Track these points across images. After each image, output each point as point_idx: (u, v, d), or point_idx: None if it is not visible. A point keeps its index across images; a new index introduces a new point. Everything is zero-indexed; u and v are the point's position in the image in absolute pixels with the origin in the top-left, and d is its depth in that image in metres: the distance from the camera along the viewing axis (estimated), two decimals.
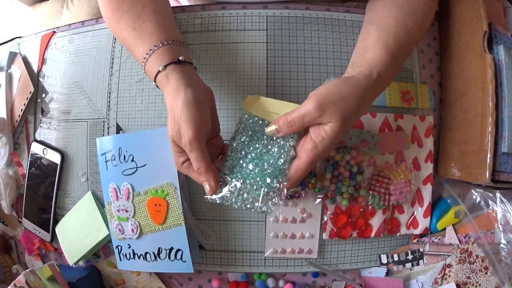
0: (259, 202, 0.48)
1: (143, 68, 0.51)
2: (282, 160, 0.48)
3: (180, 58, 0.49)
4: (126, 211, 0.59)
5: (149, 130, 0.60)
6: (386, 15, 0.52)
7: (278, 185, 0.48)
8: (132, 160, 0.58)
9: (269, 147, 0.49)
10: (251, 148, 0.50)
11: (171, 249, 0.57)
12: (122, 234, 0.59)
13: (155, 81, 0.50)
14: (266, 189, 0.48)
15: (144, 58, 0.50)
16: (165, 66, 0.48)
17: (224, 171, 0.50)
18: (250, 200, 0.48)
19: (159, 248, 0.58)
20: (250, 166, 0.49)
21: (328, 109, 0.44)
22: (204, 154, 0.46)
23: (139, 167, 0.58)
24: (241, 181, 0.49)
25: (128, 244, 0.60)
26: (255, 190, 0.48)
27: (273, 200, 0.48)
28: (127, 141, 0.58)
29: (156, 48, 0.50)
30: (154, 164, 0.57)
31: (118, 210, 0.59)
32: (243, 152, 0.50)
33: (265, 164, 0.49)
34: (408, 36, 0.51)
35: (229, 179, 0.49)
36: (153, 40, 0.50)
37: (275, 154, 0.49)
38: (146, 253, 0.59)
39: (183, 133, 0.46)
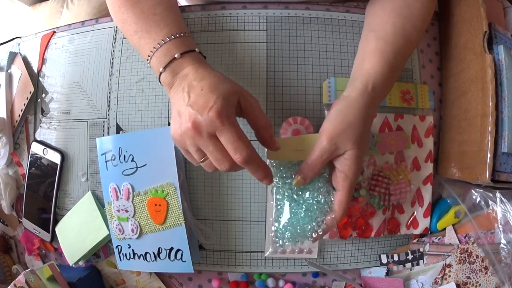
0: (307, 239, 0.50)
1: (150, 56, 0.49)
2: (322, 199, 0.50)
3: (196, 49, 0.49)
4: (126, 211, 0.59)
5: (149, 130, 0.60)
6: (385, 21, 0.52)
7: (321, 225, 0.50)
8: (132, 160, 0.58)
9: (306, 190, 0.51)
10: (291, 196, 0.51)
11: (171, 249, 0.57)
12: (122, 234, 0.59)
13: (164, 68, 0.47)
14: (312, 231, 0.50)
15: (158, 44, 0.48)
16: (182, 54, 0.47)
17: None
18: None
19: (159, 248, 0.58)
20: (294, 213, 0.50)
21: (340, 140, 0.47)
22: (245, 140, 0.42)
23: (139, 167, 0.58)
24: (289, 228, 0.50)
25: (128, 244, 0.60)
26: (302, 232, 0.50)
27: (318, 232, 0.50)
28: (127, 141, 0.58)
29: (172, 37, 0.48)
30: (154, 164, 0.57)
31: (118, 210, 0.59)
32: (285, 201, 0.51)
33: (308, 207, 0.50)
34: (406, 40, 0.51)
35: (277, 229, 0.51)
36: (171, 29, 0.49)
37: (313, 197, 0.50)
38: (146, 253, 0.59)
39: (246, 93, 0.45)
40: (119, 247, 0.60)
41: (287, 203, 0.51)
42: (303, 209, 0.50)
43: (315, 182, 0.50)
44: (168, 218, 0.57)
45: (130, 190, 0.58)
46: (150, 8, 0.51)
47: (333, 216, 0.49)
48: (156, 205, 0.57)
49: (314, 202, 0.50)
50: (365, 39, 0.54)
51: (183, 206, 0.57)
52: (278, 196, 0.51)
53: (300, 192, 0.51)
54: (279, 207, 0.51)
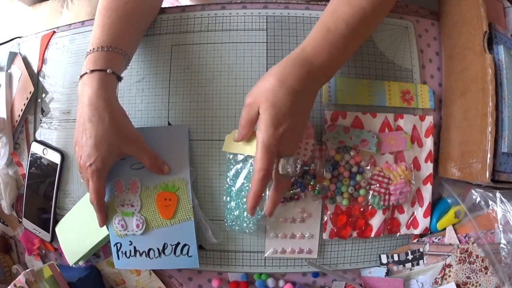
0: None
1: (88, 53, 0.54)
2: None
3: (108, 70, 0.52)
4: (132, 205, 0.58)
5: (164, 127, 0.60)
6: None
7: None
8: None
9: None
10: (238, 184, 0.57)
11: (177, 244, 0.57)
12: (124, 230, 0.58)
13: (80, 78, 0.53)
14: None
15: (88, 52, 0.54)
16: (92, 71, 0.52)
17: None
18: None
19: (164, 244, 0.57)
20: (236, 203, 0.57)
21: (252, 95, 0.49)
22: (103, 186, 0.54)
23: None
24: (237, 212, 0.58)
25: (130, 241, 0.58)
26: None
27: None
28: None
29: (98, 50, 0.53)
30: (166, 160, 0.57)
31: (122, 205, 0.58)
32: (233, 188, 0.58)
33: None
34: (351, 6, 0.50)
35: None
36: (102, 40, 0.54)
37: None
38: (149, 249, 0.58)
39: (94, 159, 0.51)
40: (118, 245, 0.59)
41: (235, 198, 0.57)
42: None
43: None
44: (177, 213, 0.57)
45: (138, 184, 0.58)
46: (105, 11, 0.56)
47: (254, 177, 0.48)
48: (165, 199, 0.57)
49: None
50: None
51: (193, 202, 0.57)
52: (228, 190, 0.58)
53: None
54: (228, 198, 0.58)
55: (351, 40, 0.51)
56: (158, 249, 0.58)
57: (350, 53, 0.53)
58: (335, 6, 0.52)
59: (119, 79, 0.54)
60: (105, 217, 0.57)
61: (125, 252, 0.59)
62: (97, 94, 0.51)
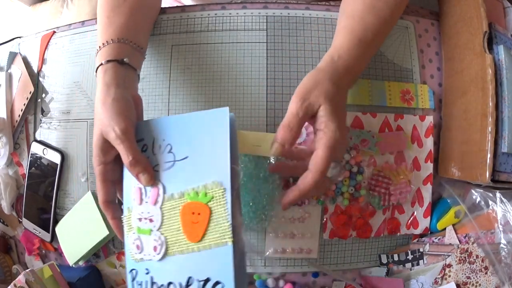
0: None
1: (95, 55, 0.53)
2: (264, 200, 0.52)
3: (125, 59, 0.51)
4: (151, 220, 0.44)
5: (198, 113, 0.46)
6: (354, 1, 0.54)
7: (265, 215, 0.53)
8: (170, 151, 0.45)
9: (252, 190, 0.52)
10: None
11: (207, 280, 0.41)
12: (140, 252, 0.44)
13: (96, 71, 0.52)
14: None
15: (99, 47, 0.52)
16: (108, 61, 0.50)
17: None
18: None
19: (189, 278, 0.42)
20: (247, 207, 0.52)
21: (310, 96, 0.47)
22: (135, 145, 0.46)
23: (178, 160, 0.44)
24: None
25: (146, 269, 0.44)
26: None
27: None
28: (166, 126, 0.46)
29: (111, 42, 0.52)
30: (199, 157, 0.44)
31: (140, 219, 0.45)
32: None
33: (259, 200, 0.52)
34: (376, 17, 0.52)
35: None
36: (112, 34, 0.53)
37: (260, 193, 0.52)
38: (169, 283, 0.42)
39: (114, 125, 0.45)
40: (134, 272, 0.45)
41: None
42: (250, 204, 0.51)
43: (264, 185, 0.51)
44: (208, 234, 0.41)
45: (160, 192, 0.44)
46: (108, 11, 0.55)
47: (308, 176, 0.46)
48: (194, 213, 0.42)
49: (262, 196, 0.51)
50: (337, 21, 0.56)
51: (234, 219, 0.41)
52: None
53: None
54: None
55: (373, 50, 0.55)
56: (180, 284, 0.42)
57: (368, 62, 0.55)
58: (362, 14, 0.53)
59: (136, 67, 0.53)
60: (150, 169, 0.45)
61: (141, 283, 0.44)
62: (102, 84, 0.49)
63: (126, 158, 0.45)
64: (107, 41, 0.52)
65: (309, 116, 0.47)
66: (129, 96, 0.49)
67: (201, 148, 0.44)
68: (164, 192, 0.44)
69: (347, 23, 0.53)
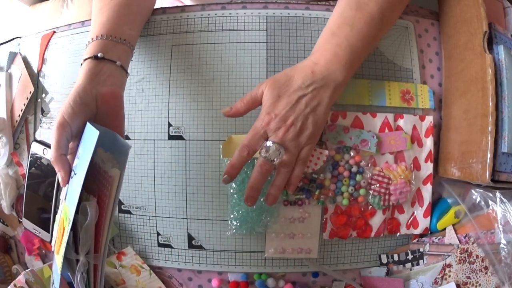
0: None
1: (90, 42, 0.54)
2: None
3: (99, 54, 0.51)
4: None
5: (89, 126, 0.47)
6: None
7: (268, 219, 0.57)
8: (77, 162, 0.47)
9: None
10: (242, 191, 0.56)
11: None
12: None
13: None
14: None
15: (86, 45, 0.54)
16: (85, 60, 0.52)
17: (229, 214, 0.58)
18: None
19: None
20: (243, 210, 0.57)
21: (264, 82, 0.52)
22: (58, 145, 0.48)
23: (75, 173, 0.46)
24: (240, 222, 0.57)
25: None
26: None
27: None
28: (86, 132, 0.47)
29: (91, 41, 0.53)
30: (78, 177, 0.44)
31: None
32: (235, 196, 0.57)
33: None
34: (359, 11, 0.52)
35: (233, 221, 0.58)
36: (92, 33, 0.54)
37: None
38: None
39: (60, 112, 0.49)
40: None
41: (237, 197, 0.57)
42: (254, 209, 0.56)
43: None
44: (60, 253, 0.43)
45: (63, 196, 0.49)
46: (98, 8, 0.57)
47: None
48: (60, 228, 0.46)
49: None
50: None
51: (68, 252, 0.42)
52: (231, 191, 0.57)
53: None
54: (234, 200, 0.57)
55: (357, 44, 0.52)
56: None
57: (360, 58, 0.54)
58: (342, 10, 0.53)
59: (114, 59, 0.53)
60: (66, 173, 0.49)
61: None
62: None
63: (52, 152, 0.48)
64: (88, 42, 0.54)
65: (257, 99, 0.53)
66: (96, 92, 0.50)
67: (81, 166, 0.44)
68: (65, 197, 0.48)
69: (330, 21, 0.55)
